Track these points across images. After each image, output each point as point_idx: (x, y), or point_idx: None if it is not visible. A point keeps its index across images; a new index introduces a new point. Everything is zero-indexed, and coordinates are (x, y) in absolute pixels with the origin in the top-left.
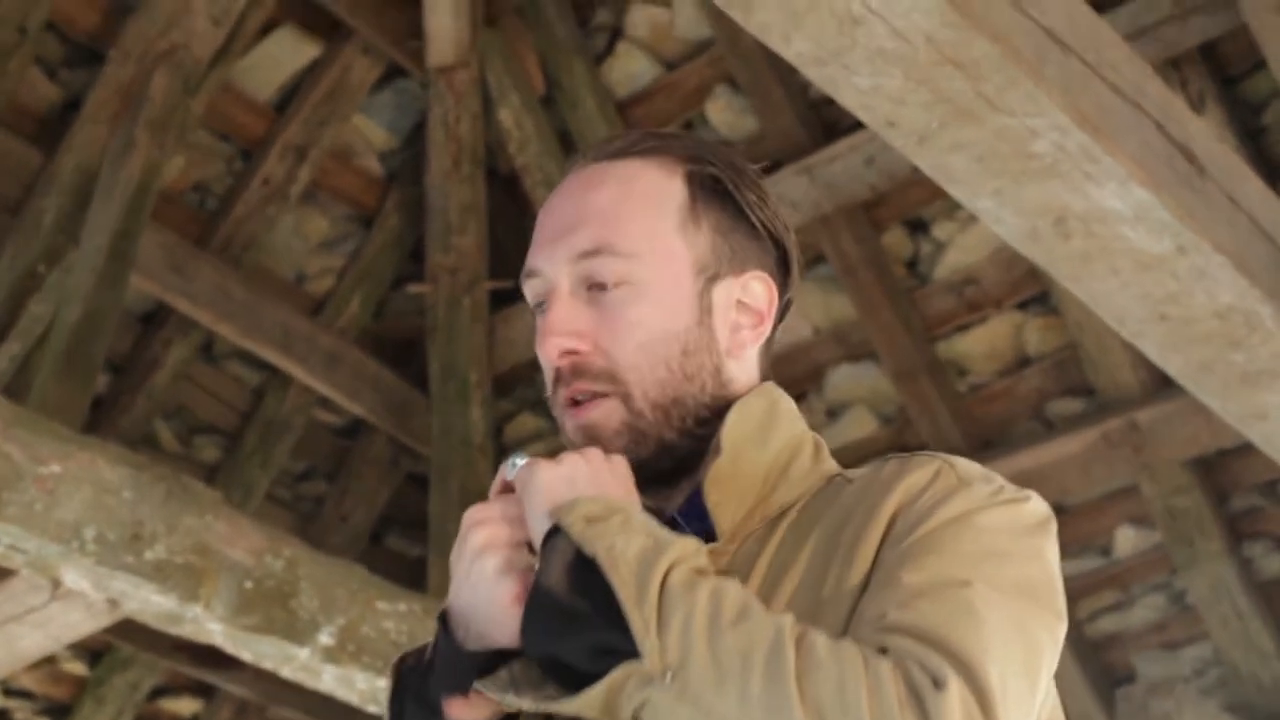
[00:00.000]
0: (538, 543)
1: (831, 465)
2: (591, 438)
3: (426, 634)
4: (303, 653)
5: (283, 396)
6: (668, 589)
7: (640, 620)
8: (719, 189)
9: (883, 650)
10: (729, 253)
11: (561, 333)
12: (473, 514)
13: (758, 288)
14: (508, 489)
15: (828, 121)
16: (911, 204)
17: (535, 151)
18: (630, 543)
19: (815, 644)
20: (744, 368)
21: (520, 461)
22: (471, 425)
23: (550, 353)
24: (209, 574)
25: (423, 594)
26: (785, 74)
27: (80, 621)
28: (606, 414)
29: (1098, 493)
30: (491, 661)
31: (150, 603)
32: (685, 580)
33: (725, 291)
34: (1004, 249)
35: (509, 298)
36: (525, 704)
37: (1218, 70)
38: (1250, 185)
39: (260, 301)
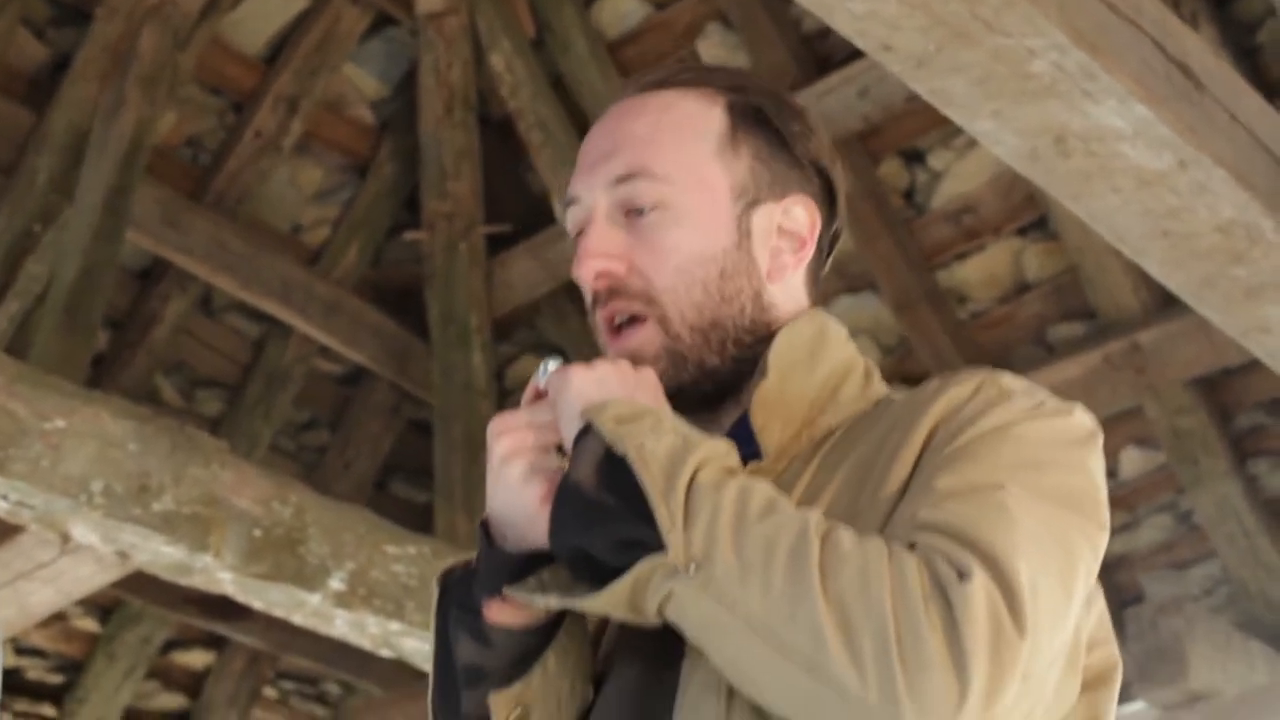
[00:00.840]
0: (569, 445)
1: (881, 389)
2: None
3: (436, 576)
4: (314, 599)
5: (283, 347)
6: (696, 485)
7: (666, 514)
8: (760, 119)
9: (910, 546)
10: (769, 179)
11: (597, 254)
12: (496, 423)
13: (799, 212)
14: (540, 397)
15: (820, 55)
16: (906, 134)
17: (528, 95)
18: (660, 442)
19: (840, 539)
20: (788, 293)
21: (552, 366)
22: (473, 370)
23: (586, 274)
24: (217, 523)
25: (431, 538)
26: (777, 9)
27: (90, 575)
28: (646, 339)
29: (1101, 415)
30: (528, 563)
31: (160, 554)
32: (714, 478)
33: (765, 216)
34: (1001, 176)
35: (506, 241)
36: (552, 602)
37: None
38: (1248, 100)
39: (257, 253)
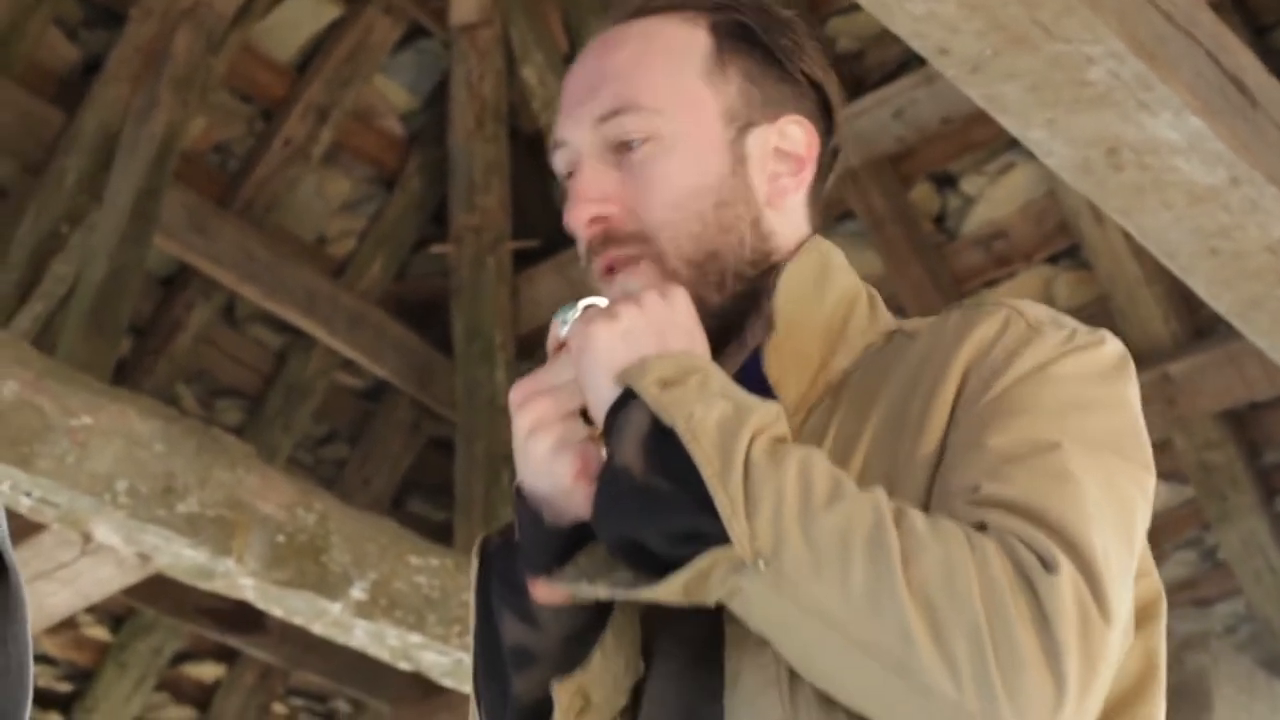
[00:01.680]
0: (595, 412)
1: (889, 319)
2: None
3: (458, 589)
4: (334, 608)
5: (305, 360)
6: (752, 463)
7: (726, 500)
8: (748, 36)
9: (981, 526)
10: (761, 99)
11: (588, 199)
12: (516, 391)
13: (795, 132)
14: (563, 348)
15: (855, 76)
16: (939, 158)
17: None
18: (710, 409)
19: (915, 523)
20: (788, 219)
21: (573, 315)
22: (497, 387)
23: (579, 220)
24: (241, 527)
25: (454, 550)
26: (812, 25)
27: (110, 577)
28: (640, 277)
29: None
30: (574, 537)
31: (182, 557)
32: (769, 452)
33: (760, 139)
34: (1033, 203)
35: (533, 257)
36: (600, 593)
37: (1249, 20)
38: None
39: (283, 263)
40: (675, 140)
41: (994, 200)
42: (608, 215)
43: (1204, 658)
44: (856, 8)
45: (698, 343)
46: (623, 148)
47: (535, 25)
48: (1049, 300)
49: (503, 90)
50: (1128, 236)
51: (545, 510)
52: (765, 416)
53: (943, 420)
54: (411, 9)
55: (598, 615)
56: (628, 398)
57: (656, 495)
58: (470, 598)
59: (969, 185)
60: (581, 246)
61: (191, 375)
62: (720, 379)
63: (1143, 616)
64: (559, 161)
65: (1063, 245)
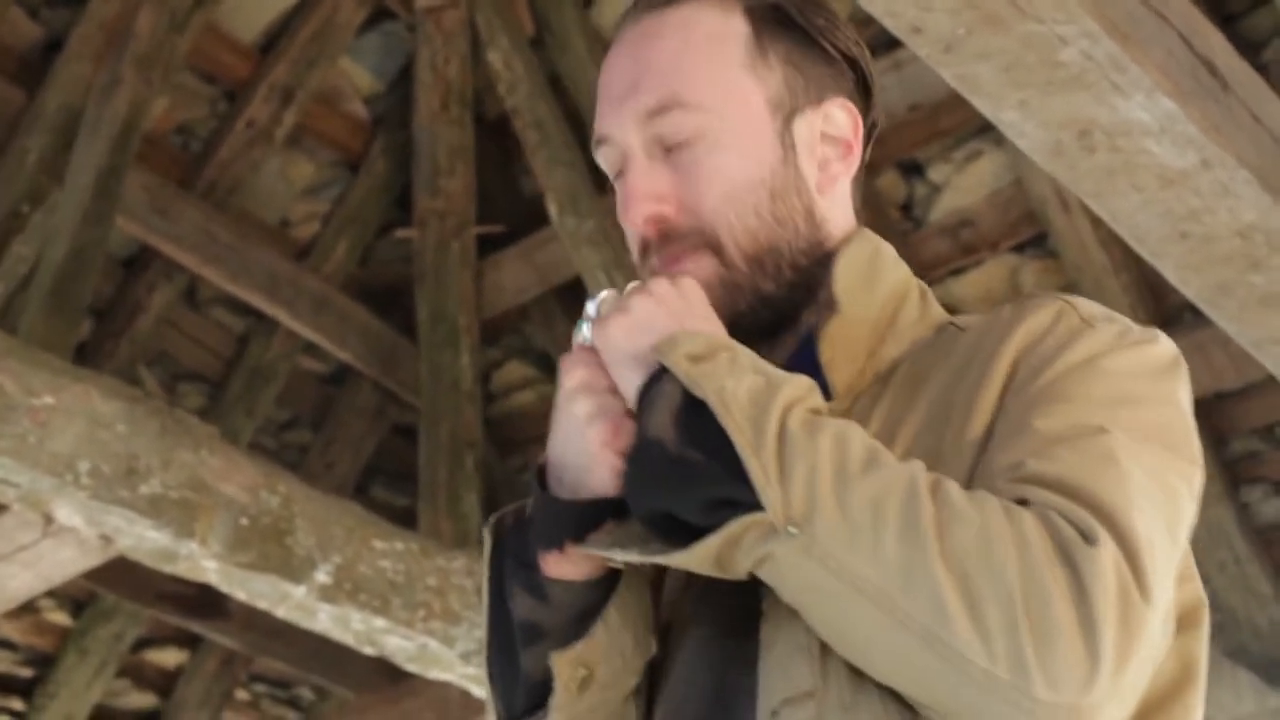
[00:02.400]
0: (629, 397)
1: (940, 312)
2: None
3: (423, 573)
4: (298, 591)
5: (267, 343)
6: (787, 433)
7: (759, 467)
8: (782, 18)
9: (1022, 502)
10: (803, 84)
11: (644, 198)
12: (570, 356)
13: (840, 116)
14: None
15: None
16: (906, 146)
17: (525, 94)
18: (741, 382)
19: (952, 494)
20: (837, 203)
21: (587, 327)
22: (461, 371)
23: (635, 220)
24: (204, 510)
25: (419, 535)
26: None
27: (72, 560)
28: (699, 268)
29: None
30: (588, 511)
31: (145, 539)
32: (805, 423)
33: (807, 125)
34: (1000, 191)
35: (497, 242)
36: (632, 557)
37: (1218, 7)
38: (1272, 104)
39: (246, 245)
40: (725, 135)
41: (961, 188)
42: (663, 213)
43: None
44: None
45: (715, 325)
46: (672, 144)
47: (501, 9)
48: (1015, 289)
49: (468, 74)
50: (1095, 225)
51: (564, 480)
52: (798, 389)
53: (990, 406)
54: None
55: (606, 593)
56: (658, 376)
57: (690, 466)
58: (483, 576)
59: (936, 173)
60: (635, 246)
61: (153, 358)
62: (750, 355)
63: (1185, 623)
64: (603, 157)
65: (1029, 234)
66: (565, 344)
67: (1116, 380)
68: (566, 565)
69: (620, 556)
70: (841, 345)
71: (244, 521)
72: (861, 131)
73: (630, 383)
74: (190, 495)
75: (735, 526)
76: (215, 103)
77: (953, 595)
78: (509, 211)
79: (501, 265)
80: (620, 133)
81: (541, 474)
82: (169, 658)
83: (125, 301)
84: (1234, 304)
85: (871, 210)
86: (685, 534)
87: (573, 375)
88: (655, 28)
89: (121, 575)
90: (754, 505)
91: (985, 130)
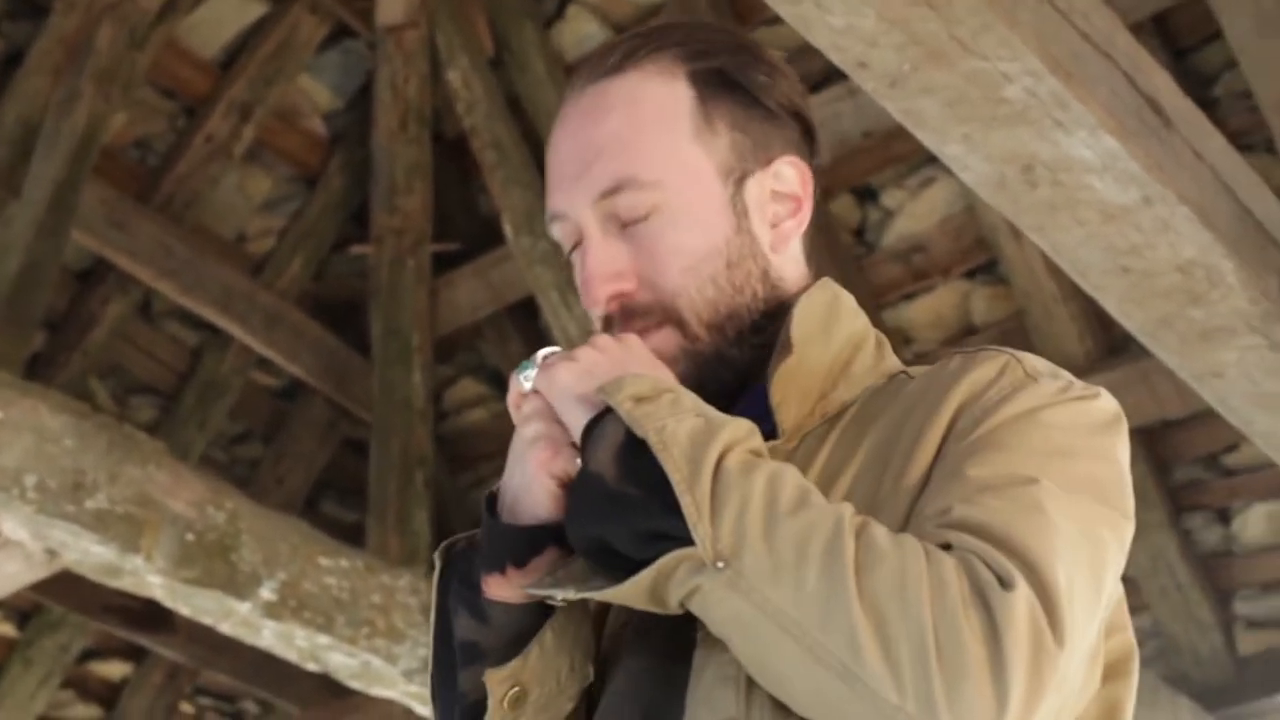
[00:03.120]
0: (575, 434)
1: (894, 362)
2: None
3: (368, 590)
4: (243, 607)
5: (221, 357)
6: (722, 472)
7: (693, 504)
8: (725, 80)
9: (946, 546)
10: (751, 146)
11: (604, 278)
12: (529, 404)
13: (789, 172)
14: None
15: None
16: (860, 172)
17: (483, 114)
18: (682, 423)
19: (875, 536)
20: (791, 258)
21: (530, 371)
22: (413, 389)
23: (598, 298)
24: (150, 525)
25: (365, 552)
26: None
27: (17, 573)
28: (662, 341)
29: None
30: (530, 535)
31: (90, 553)
32: (741, 464)
33: (757, 186)
34: (952, 217)
35: (453, 261)
36: (570, 595)
37: (1169, 42)
38: (1214, 141)
39: (201, 260)
40: (679, 210)
41: (913, 214)
42: (623, 290)
43: None
44: (780, 19)
45: (661, 372)
46: (628, 221)
47: (461, 29)
48: (965, 314)
49: (427, 93)
50: (1044, 253)
51: (509, 505)
52: (737, 431)
53: (930, 453)
54: (337, 9)
55: (545, 617)
56: (602, 415)
57: (627, 500)
58: (432, 598)
59: (889, 199)
60: (598, 323)
61: (106, 371)
62: (693, 398)
63: (1113, 671)
64: (557, 233)
65: (981, 260)
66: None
67: (1054, 433)
68: (506, 588)
69: (560, 595)
70: (793, 387)
71: (190, 537)
72: (811, 185)
73: (575, 419)
74: (136, 510)
75: (667, 560)
76: (174, 118)
77: (867, 632)
78: (465, 230)
79: (456, 283)
80: (574, 211)
81: (493, 500)
82: (114, 670)
83: (79, 314)
84: (1175, 338)
85: (825, 235)
86: (623, 569)
87: (526, 406)
88: (602, 102)
89: (68, 587)
90: (687, 540)
91: (938, 158)
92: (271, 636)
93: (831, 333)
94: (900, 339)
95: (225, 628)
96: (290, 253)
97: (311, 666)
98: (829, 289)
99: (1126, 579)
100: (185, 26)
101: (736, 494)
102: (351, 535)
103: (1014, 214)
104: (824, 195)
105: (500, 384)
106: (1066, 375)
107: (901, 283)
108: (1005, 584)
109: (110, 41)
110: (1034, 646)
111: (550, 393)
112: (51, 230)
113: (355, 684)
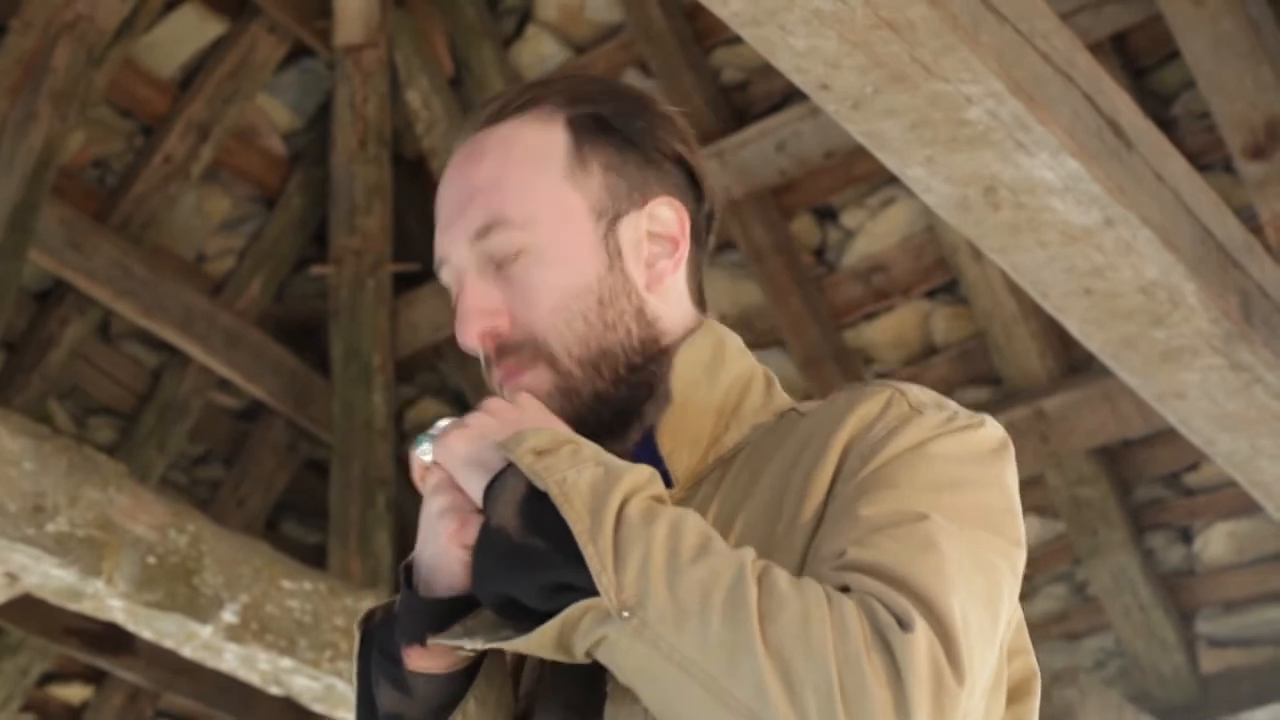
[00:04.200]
0: (476, 498)
1: (784, 399)
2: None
3: (331, 613)
4: (205, 630)
5: (180, 378)
6: (624, 521)
7: (595, 554)
8: (604, 126)
9: (844, 589)
10: (625, 188)
11: (476, 315)
12: (435, 476)
13: (665, 213)
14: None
15: (738, 107)
16: (821, 191)
17: (442, 133)
18: (583, 473)
19: (777, 581)
20: (670, 299)
21: (427, 445)
22: (374, 409)
23: (469, 337)
24: (111, 548)
25: (327, 575)
26: (696, 59)
27: None
28: (536, 380)
29: None
30: (450, 608)
31: (51, 577)
32: (642, 512)
33: (631, 227)
34: (912, 237)
35: (413, 281)
36: (478, 644)
37: (1129, 62)
38: (1174, 162)
39: (160, 280)
40: (549, 248)
41: (874, 234)
42: (496, 328)
43: (1072, 692)
44: (741, 39)
45: (555, 425)
46: (500, 260)
47: (421, 49)
48: (926, 334)
49: (386, 113)
50: (1005, 273)
51: (435, 585)
52: (638, 479)
53: (821, 494)
54: (296, 28)
55: (466, 685)
56: (503, 472)
57: (531, 552)
58: (353, 669)
59: (849, 219)
60: (481, 359)
61: (65, 392)
62: (593, 448)
63: (1015, 694)
64: (445, 277)
65: (941, 280)
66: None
67: (941, 465)
68: (427, 659)
69: (468, 644)
70: (681, 435)
71: (151, 560)
72: (688, 227)
73: (476, 485)
74: (97, 534)
75: (573, 611)
76: (132, 137)
77: (773, 677)
78: (425, 250)
79: (416, 303)
80: (455, 253)
81: (409, 572)
82: (75, 693)
83: (37, 335)
84: (1137, 358)
85: (785, 255)
86: (531, 621)
87: (431, 479)
88: (480, 148)
89: (29, 611)
90: (591, 590)
91: (899, 178)
92: (234, 660)
93: (717, 376)
94: (861, 359)
95: (187, 651)
96: (250, 273)
97: (274, 690)
98: (712, 333)
99: (1089, 597)
100: (143, 46)
101: (639, 543)
102: (313, 557)
103: (976, 236)
104: (784, 215)
105: (462, 405)
106: (952, 405)
107: (862, 303)
108: (904, 625)
109: (67, 61)
110: (935, 686)
111: (447, 463)
112: (10, 252)
113: (319, 707)
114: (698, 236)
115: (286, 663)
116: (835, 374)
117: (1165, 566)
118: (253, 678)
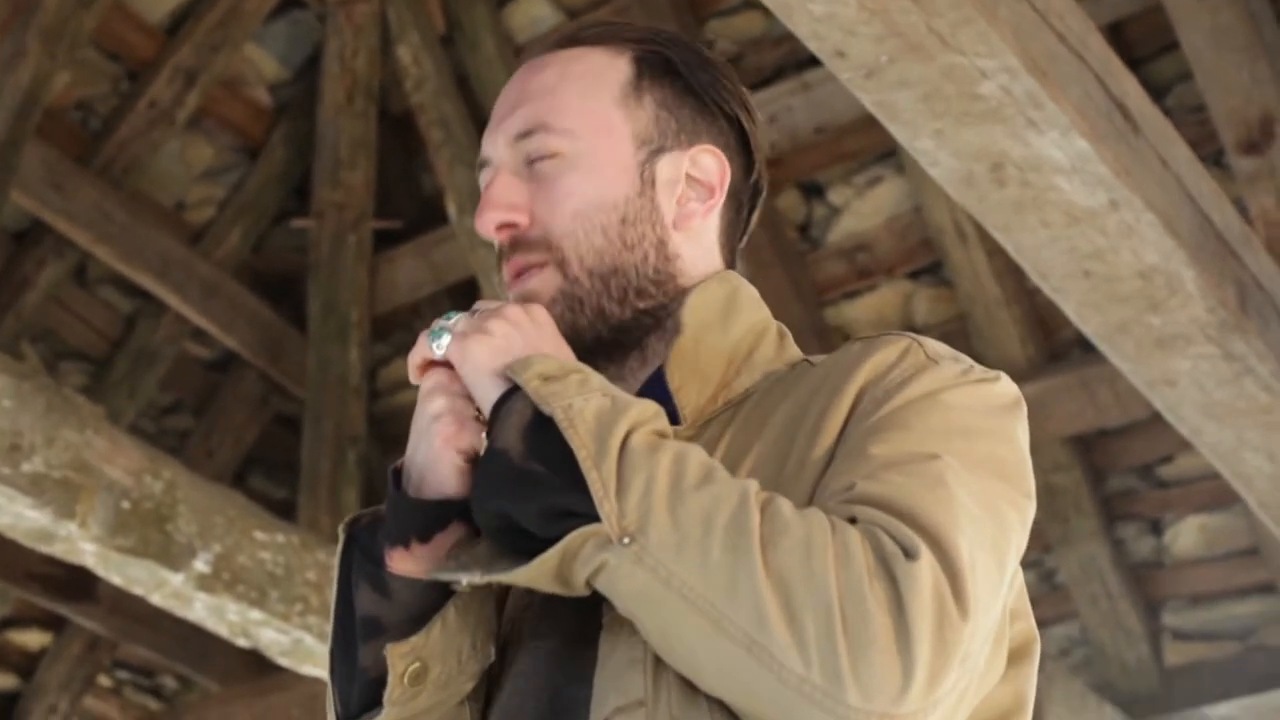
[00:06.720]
0: (485, 409)
1: (796, 352)
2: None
3: (303, 566)
4: (176, 579)
5: (154, 326)
6: (628, 451)
7: (599, 480)
8: (669, 69)
9: (851, 520)
10: (675, 127)
11: (497, 206)
12: (430, 379)
13: (708, 160)
14: (430, 367)
15: None
16: (808, 167)
17: (431, 90)
18: (589, 402)
19: (781, 509)
20: (696, 245)
21: (446, 338)
22: (349, 365)
23: (486, 225)
24: (87, 491)
25: (301, 528)
26: (691, 28)
27: None
28: (543, 282)
29: None
30: (434, 510)
31: (23, 518)
32: (646, 443)
33: (671, 164)
34: (898, 217)
35: (394, 238)
36: (475, 579)
37: (1124, 51)
38: (1178, 149)
39: (140, 226)
40: (583, 159)
41: (860, 212)
42: (515, 222)
43: (1039, 678)
44: (735, 10)
45: (565, 353)
46: (535, 163)
47: (413, 5)
48: (908, 315)
49: (375, 68)
50: (990, 257)
51: (414, 480)
52: (644, 412)
53: (833, 434)
54: None
55: (447, 594)
56: (510, 394)
57: (533, 476)
58: (334, 573)
59: (836, 196)
60: (497, 253)
61: (38, 334)
62: (600, 379)
63: (1016, 656)
64: (481, 179)
65: (925, 261)
66: None
67: (955, 413)
68: (410, 562)
69: (465, 579)
70: (690, 371)
71: (125, 505)
72: (728, 180)
73: (487, 397)
74: (73, 475)
75: (574, 538)
76: (118, 81)
77: (773, 603)
78: (408, 208)
79: (396, 261)
80: (495, 153)
81: (398, 474)
82: (32, 639)
83: (13, 276)
84: (1131, 343)
85: (770, 229)
86: (528, 549)
87: (429, 379)
88: (543, 62)
89: None
90: (592, 516)
91: (888, 156)
92: (203, 610)
93: (730, 322)
94: (841, 337)
95: (156, 599)
96: (230, 223)
97: (241, 642)
98: (729, 282)
99: (1057, 585)
100: None
101: (642, 471)
102: (281, 511)
103: (980, 212)
104: (770, 189)
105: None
106: (967, 360)
107: (845, 280)
108: (909, 554)
109: (57, 1)
110: (938, 616)
111: (464, 367)
112: None
113: (285, 661)
114: (738, 202)
115: (256, 614)
116: (814, 351)
117: (1134, 557)
118: (220, 629)
